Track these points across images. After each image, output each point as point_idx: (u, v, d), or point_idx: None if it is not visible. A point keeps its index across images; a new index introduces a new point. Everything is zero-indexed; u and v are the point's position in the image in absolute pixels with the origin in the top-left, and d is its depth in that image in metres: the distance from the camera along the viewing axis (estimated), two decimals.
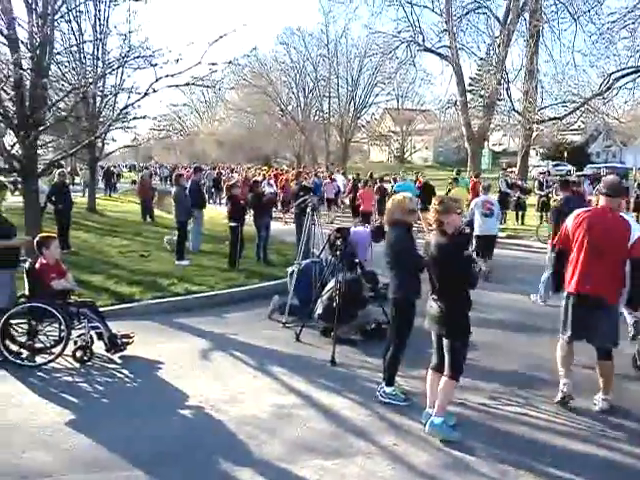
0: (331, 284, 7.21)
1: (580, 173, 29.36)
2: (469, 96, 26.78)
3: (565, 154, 42.13)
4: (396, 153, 62.50)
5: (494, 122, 26.60)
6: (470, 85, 31.19)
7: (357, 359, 6.46)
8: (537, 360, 6.33)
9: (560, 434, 4.69)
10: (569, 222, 5.22)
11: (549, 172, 25.51)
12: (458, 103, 25.28)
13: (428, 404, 4.81)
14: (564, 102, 21.77)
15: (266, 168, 34.60)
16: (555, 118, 22.91)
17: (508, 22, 22.81)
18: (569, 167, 37.10)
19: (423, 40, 24.62)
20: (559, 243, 5.42)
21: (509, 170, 26.93)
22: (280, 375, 5.95)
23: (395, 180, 20.47)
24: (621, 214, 5.13)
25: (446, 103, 27.43)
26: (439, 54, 25.00)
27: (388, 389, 5.29)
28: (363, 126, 56.29)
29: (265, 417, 4.97)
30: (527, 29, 22.17)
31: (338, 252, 7.08)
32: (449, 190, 16.03)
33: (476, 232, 10.35)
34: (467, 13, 23.62)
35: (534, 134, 27.05)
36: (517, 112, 22.91)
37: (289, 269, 8.51)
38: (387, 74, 42.23)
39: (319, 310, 7.21)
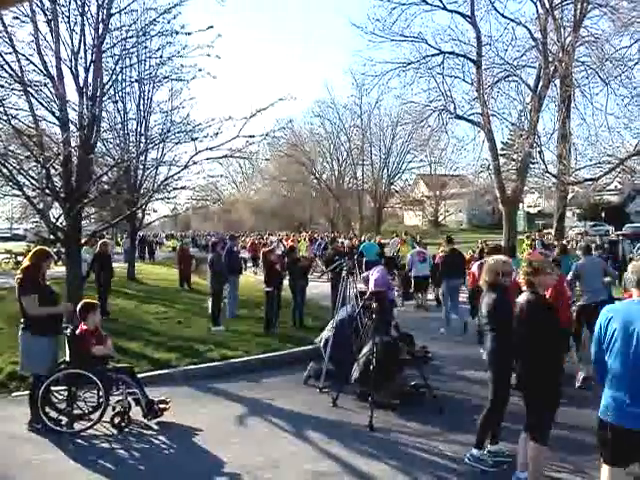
0: (367, 347, 7.16)
1: (619, 232, 28.86)
2: (502, 160, 26.85)
3: (603, 214, 41.59)
4: (430, 217, 62.62)
5: (528, 185, 26.55)
6: (502, 149, 31.38)
7: (396, 424, 6.32)
8: (587, 423, 6.08)
9: None
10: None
11: (587, 232, 25.17)
12: (491, 167, 25.36)
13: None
14: (599, 163, 21.63)
15: (282, 233, 35.65)
16: (590, 179, 22.72)
17: (539, 88, 23.08)
18: (607, 227, 36.51)
19: (454, 108, 24.99)
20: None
21: (545, 231, 26.65)
22: (317, 441, 5.85)
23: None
24: None
25: (479, 167, 27.58)
26: (471, 121, 25.30)
27: (475, 451, 5.16)
28: (397, 192, 56.92)
29: None
30: (558, 94, 22.39)
31: (373, 315, 7.07)
32: (398, 250, 19.19)
33: (413, 274, 13.56)
34: (497, 81, 23.97)
35: (570, 195, 26.85)
36: (551, 174, 22.85)
37: (322, 335, 8.47)
38: (419, 142, 42.86)
39: (356, 374, 7.14)
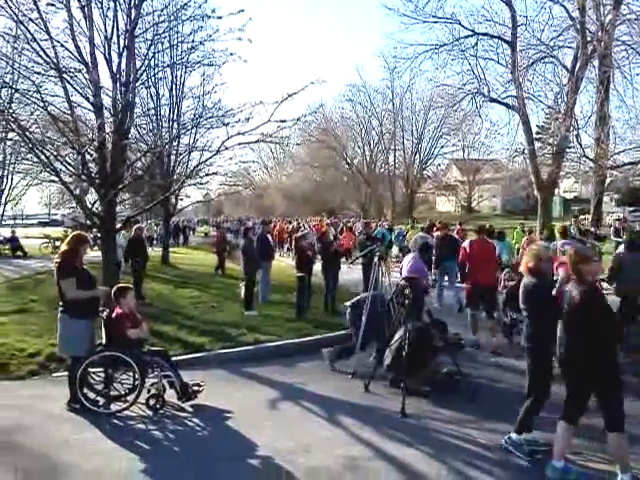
0: (400, 333, 7.11)
1: None
2: (537, 144, 26.28)
3: None
4: (463, 203, 61.87)
5: (564, 169, 25.96)
6: (538, 133, 30.72)
7: (428, 410, 6.28)
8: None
9: None
10: None
11: (625, 218, 24.50)
12: (526, 152, 24.85)
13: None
14: (639, 147, 21.06)
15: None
16: (630, 163, 22.13)
17: (577, 69, 22.44)
18: None
19: (488, 91, 24.51)
20: None
21: (582, 217, 26.06)
22: (349, 426, 5.85)
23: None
24: None
25: (514, 152, 27.05)
26: (505, 104, 24.79)
27: (514, 435, 5.14)
28: (429, 177, 56.40)
29: (335, 468, 4.89)
30: (597, 75, 21.75)
31: (407, 301, 7.01)
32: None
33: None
34: (533, 63, 23.39)
35: (608, 180, 26.19)
36: (589, 159, 22.30)
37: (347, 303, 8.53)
38: (452, 126, 42.47)
39: (388, 360, 7.10)
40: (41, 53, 9.31)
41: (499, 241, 12.82)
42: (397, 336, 7.20)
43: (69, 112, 10.06)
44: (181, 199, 23.61)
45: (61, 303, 6.38)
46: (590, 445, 5.19)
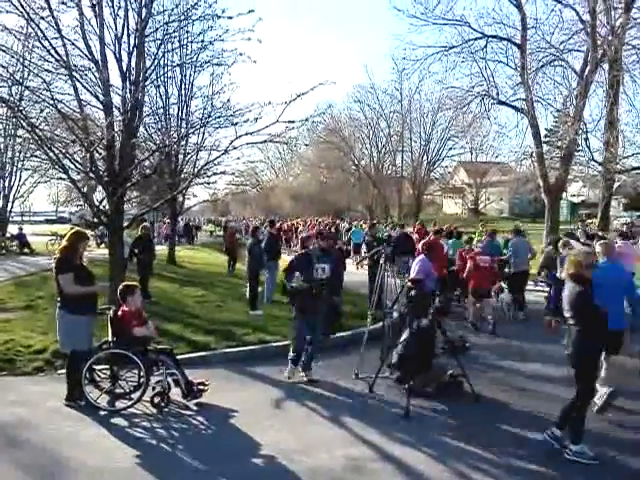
0: (405, 334, 7.11)
1: None
2: (545, 147, 26.13)
3: None
4: (470, 205, 61.73)
5: (572, 173, 25.85)
6: (546, 137, 30.56)
7: (432, 412, 6.29)
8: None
9: None
10: None
11: (633, 223, 24.40)
12: (534, 155, 24.76)
13: None
14: None
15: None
16: (638, 167, 22.05)
17: (586, 73, 22.35)
18: None
19: (497, 94, 24.44)
20: None
21: (589, 221, 25.95)
22: (353, 426, 5.86)
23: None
24: None
25: (522, 155, 26.94)
26: (514, 107, 24.71)
27: (574, 447, 5.09)
28: (436, 179, 56.24)
29: (338, 469, 4.90)
30: (606, 79, 21.67)
31: (412, 303, 7.02)
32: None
33: None
34: (542, 66, 23.31)
35: (616, 184, 26.04)
36: (597, 162, 22.21)
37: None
38: (461, 128, 42.24)
39: (393, 360, 7.12)
40: (51, 51, 9.33)
41: (447, 239, 14.18)
42: (403, 337, 7.21)
43: (78, 110, 10.09)
44: (188, 198, 23.68)
45: (59, 298, 6.46)
46: None
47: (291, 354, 7.57)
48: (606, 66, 21.62)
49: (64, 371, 6.76)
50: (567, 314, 5.25)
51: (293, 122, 9.57)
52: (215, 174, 13.50)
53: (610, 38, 20.16)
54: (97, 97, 9.94)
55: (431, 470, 4.84)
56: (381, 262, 8.52)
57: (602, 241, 7.79)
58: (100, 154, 10.23)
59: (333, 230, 24.71)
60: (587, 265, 5.27)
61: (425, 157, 51.43)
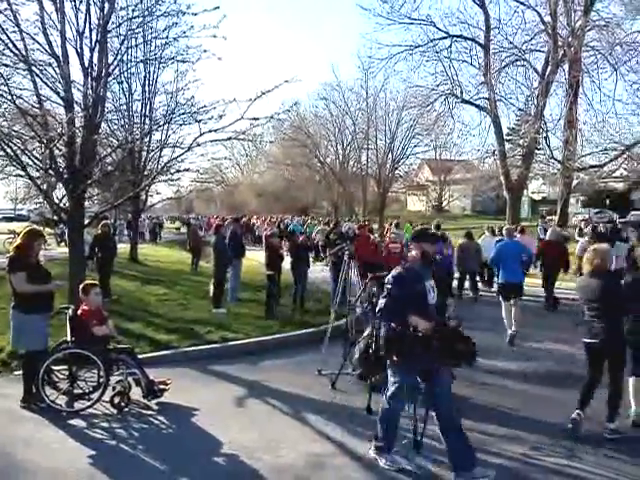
0: (368, 331, 7.17)
1: (623, 220, 28.74)
2: (507, 146, 26.71)
3: (607, 201, 41.35)
4: (434, 202, 62.42)
5: (533, 171, 26.43)
6: (508, 135, 31.17)
7: None
8: (586, 412, 6.12)
9: None
10: None
11: (590, 219, 25.06)
12: (496, 153, 25.24)
13: None
14: (605, 150, 21.54)
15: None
16: (596, 166, 22.66)
17: (547, 73, 22.87)
18: (611, 214, 36.30)
19: (461, 92, 24.85)
20: None
21: (549, 218, 26.55)
22: (315, 423, 5.90)
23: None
24: None
25: (484, 153, 27.43)
26: (477, 106, 25.16)
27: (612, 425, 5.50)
28: (401, 176, 56.59)
29: (300, 465, 4.93)
30: (566, 80, 22.20)
31: (374, 299, 7.08)
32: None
33: None
34: (505, 66, 23.77)
35: (574, 182, 26.73)
36: (556, 160, 22.76)
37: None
38: (425, 126, 42.58)
39: (355, 356, 7.18)
40: (10, 45, 9.12)
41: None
42: (365, 333, 7.28)
43: (38, 106, 9.88)
44: (151, 195, 23.33)
45: (13, 297, 6.36)
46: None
47: (379, 442, 5.05)
48: (566, 66, 22.16)
49: (20, 372, 6.63)
50: (593, 304, 5.66)
51: (258, 119, 9.55)
52: (179, 171, 13.33)
53: (570, 39, 20.65)
54: (57, 93, 9.74)
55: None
56: (345, 259, 8.58)
57: (507, 227, 12.70)
58: (60, 151, 10.03)
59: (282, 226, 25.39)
60: (606, 257, 5.87)
61: (390, 155, 51.60)
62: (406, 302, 4.66)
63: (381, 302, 4.78)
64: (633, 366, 5.79)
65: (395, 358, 4.74)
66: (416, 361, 4.66)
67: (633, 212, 35.54)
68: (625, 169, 25.92)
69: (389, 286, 4.79)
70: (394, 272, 4.88)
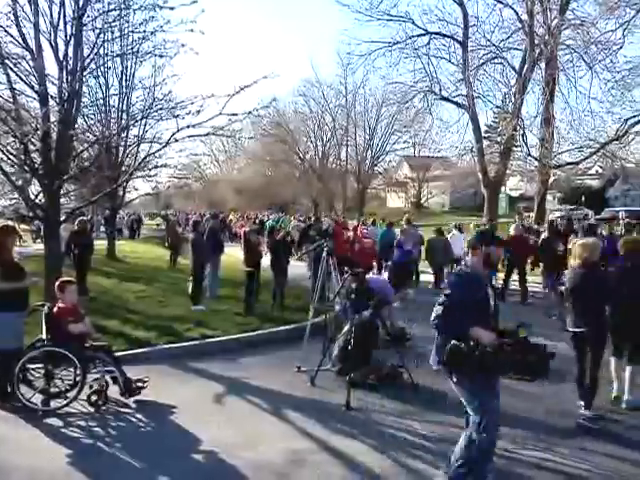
0: (347, 327, 7.21)
1: (598, 217, 29.20)
2: (485, 143, 26.85)
3: (583, 198, 41.95)
4: (413, 199, 62.73)
5: (510, 168, 26.66)
6: (486, 132, 31.41)
7: (372, 403, 6.39)
8: (563, 406, 6.21)
9: None
10: None
11: (566, 216, 25.42)
12: (474, 150, 25.42)
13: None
14: (580, 147, 21.83)
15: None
16: (572, 163, 22.96)
17: (524, 71, 23.07)
18: (587, 211, 36.86)
19: (440, 89, 24.93)
20: None
21: (526, 214, 26.85)
22: (295, 419, 5.90)
23: None
24: None
25: (463, 150, 27.60)
26: (456, 103, 25.27)
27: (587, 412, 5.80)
28: (380, 173, 56.77)
29: (279, 462, 4.93)
30: (543, 78, 22.42)
31: (353, 295, 7.11)
32: None
33: None
34: (483, 63, 23.90)
35: (551, 179, 27.03)
36: (533, 158, 23.01)
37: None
38: (404, 123, 42.84)
39: (335, 352, 7.21)
40: None
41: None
42: (344, 330, 7.31)
43: (11, 100, 9.70)
44: (129, 191, 23.10)
45: None
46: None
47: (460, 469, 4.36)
48: (543, 65, 22.37)
49: None
50: (579, 294, 5.95)
51: (236, 115, 9.50)
52: (156, 167, 13.20)
53: (547, 38, 20.84)
54: (32, 87, 9.58)
55: (372, 460, 4.93)
56: (323, 255, 8.59)
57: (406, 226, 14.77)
58: (35, 146, 9.87)
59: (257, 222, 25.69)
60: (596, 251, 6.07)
61: (369, 151, 51.74)
62: (467, 310, 4.03)
63: (437, 309, 4.11)
64: (630, 353, 6.19)
65: (469, 377, 4.09)
66: (491, 379, 4.17)
67: (607, 209, 36.13)
68: (600, 167, 26.33)
69: (448, 291, 4.21)
70: (454, 275, 4.68)
